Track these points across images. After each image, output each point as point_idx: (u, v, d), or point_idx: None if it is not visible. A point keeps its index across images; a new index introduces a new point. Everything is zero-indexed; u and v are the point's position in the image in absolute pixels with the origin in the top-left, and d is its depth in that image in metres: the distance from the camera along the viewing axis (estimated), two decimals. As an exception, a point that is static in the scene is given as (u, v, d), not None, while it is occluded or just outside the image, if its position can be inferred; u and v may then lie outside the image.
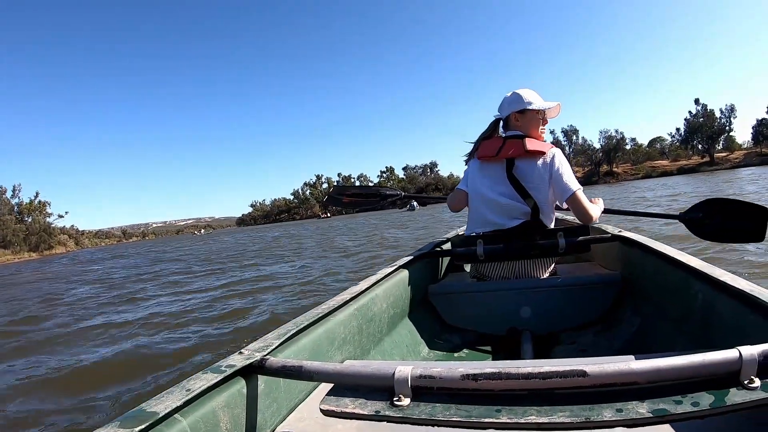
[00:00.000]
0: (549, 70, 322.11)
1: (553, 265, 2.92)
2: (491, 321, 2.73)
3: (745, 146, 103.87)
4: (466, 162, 3.13)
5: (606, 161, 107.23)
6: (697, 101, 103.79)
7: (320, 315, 1.78)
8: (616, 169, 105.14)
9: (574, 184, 2.68)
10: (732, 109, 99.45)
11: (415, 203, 57.79)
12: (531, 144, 2.73)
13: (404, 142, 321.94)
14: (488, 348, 2.62)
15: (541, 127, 2.89)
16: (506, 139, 2.84)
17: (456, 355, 2.57)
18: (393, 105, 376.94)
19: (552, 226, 2.83)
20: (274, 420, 1.36)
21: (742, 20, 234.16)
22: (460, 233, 3.74)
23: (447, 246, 3.38)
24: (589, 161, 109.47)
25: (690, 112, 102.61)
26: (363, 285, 2.24)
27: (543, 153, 2.72)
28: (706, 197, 3.18)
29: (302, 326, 1.63)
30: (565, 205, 2.81)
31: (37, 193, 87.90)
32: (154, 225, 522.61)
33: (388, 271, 2.57)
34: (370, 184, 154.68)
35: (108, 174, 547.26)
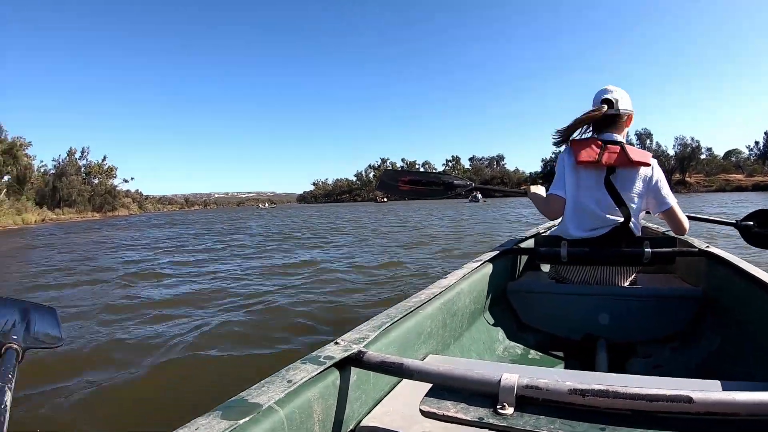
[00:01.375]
0: (627, 66, 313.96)
1: (634, 274, 2.87)
2: (567, 324, 2.70)
3: None
4: (557, 144, 2.94)
5: (679, 170, 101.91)
6: None
7: (412, 308, 1.77)
8: (688, 179, 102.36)
9: (671, 198, 2.75)
10: None
11: (479, 195, 57.20)
12: (634, 153, 2.68)
13: (471, 132, 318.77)
14: (561, 353, 2.61)
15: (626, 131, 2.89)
16: (605, 144, 2.74)
17: (530, 356, 2.57)
18: (461, 93, 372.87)
19: (639, 234, 2.77)
20: (361, 412, 1.36)
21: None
22: (542, 231, 3.93)
23: (529, 243, 3.42)
24: (661, 168, 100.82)
25: None
26: (450, 279, 2.21)
27: (647, 164, 2.70)
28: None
29: (396, 319, 1.63)
30: (656, 215, 2.84)
31: (104, 156, 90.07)
32: (216, 195, 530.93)
33: (473, 266, 2.53)
34: (434, 172, 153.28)
35: (175, 142, 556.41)
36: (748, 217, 3.36)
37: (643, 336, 2.56)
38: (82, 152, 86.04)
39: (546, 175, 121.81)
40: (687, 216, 3.17)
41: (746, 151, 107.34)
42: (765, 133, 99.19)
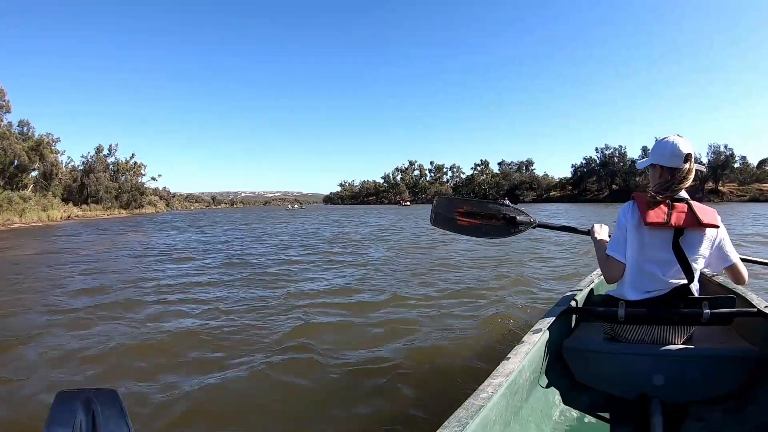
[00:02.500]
0: (660, 70, 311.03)
1: (690, 332, 2.79)
2: (622, 384, 2.70)
3: None
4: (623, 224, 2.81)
5: (712, 178, 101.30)
6: None
7: (480, 408, 1.79)
8: (721, 188, 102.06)
9: (734, 254, 2.71)
10: None
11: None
12: (704, 215, 2.63)
13: (500, 135, 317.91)
14: (616, 414, 2.62)
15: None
16: (673, 202, 2.68)
17: (586, 420, 2.59)
18: (494, 97, 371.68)
19: (699, 293, 2.74)
20: None
21: None
22: (596, 282, 3.93)
23: (582, 296, 3.44)
24: (694, 176, 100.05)
25: None
26: (513, 362, 2.24)
27: (717, 226, 2.64)
28: None
29: (465, 424, 1.64)
30: (718, 268, 2.82)
31: (132, 154, 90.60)
32: (243, 194, 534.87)
33: (533, 338, 2.54)
34: (463, 176, 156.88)
35: (203, 140, 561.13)
36: None
37: (697, 396, 2.56)
38: (110, 149, 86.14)
39: (575, 182, 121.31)
40: (742, 259, 3.08)
41: None
42: None
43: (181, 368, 4.68)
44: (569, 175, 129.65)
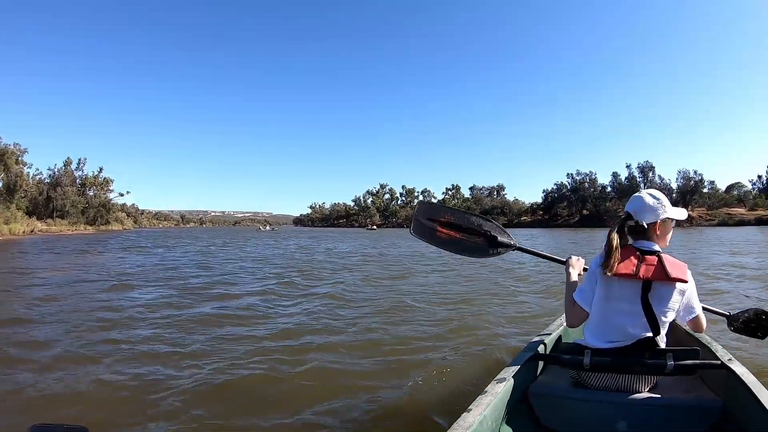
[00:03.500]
0: (627, 100, 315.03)
1: (655, 380, 2.84)
2: (587, 429, 2.74)
3: None
4: (603, 272, 2.79)
5: (681, 203, 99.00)
6: None
7: None
8: (691, 213, 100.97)
9: (698, 306, 2.84)
10: None
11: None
12: (673, 269, 2.68)
13: (472, 160, 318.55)
14: None
15: (669, 237, 2.89)
16: (643, 254, 2.74)
17: None
18: (463, 120, 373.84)
19: (664, 345, 2.79)
20: None
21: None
22: (563, 328, 3.94)
23: (550, 341, 3.52)
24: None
25: None
26: (475, 414, 2.28)
27: (684, 281, 2.69)
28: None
29: None
30: (682, 321, 2.94)
31: (101, 168, 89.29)
32: (212, 213, 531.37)
33: (497, 388, 2.59)
34: (435, 200, 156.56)
35: (173, 157, 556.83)
36: (743, 312, 3.67)
37: None
38: (79, 163, 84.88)
39: (546, 207, 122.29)
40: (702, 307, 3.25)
41: (749, 185, 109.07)
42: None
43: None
44: (540, 200, 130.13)
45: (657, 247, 2.78)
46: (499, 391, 2.55)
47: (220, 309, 9.19)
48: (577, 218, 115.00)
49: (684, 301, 2.76)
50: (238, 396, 4.65)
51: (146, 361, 5.68)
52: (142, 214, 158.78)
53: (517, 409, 2.83)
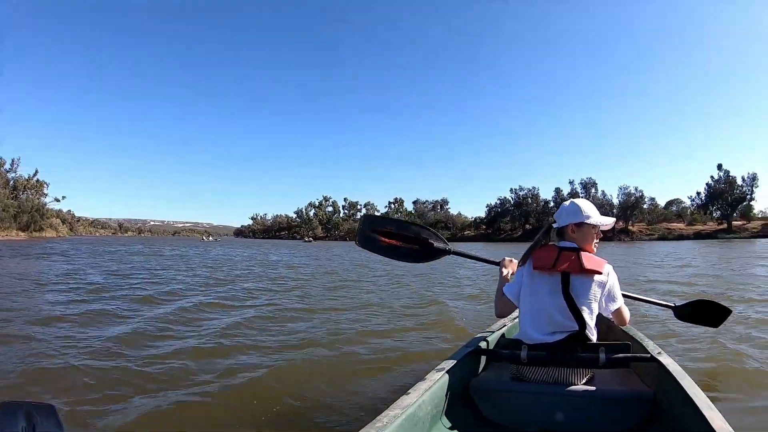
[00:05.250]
0: (569, 122, 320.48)
1: (590, 373, 2.98)
2: (526, 421, 2.84)
3: (761, 216, 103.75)
4: (519, 265, 3.23)
5: (623, 218, 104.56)
6: (720, 167, 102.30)
7: None
8: (631, 228, 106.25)
9: (620, 299, 3.04)
10: (754, 178, 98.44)
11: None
12: (588, 261, 2.86)
13: (415, 174, 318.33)
14: None
15: (595, 241, 3.06)
16: (561, 251, 2.95)
17: None
18: (407, 135, 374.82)
19: (595, 339, 2.95)
20: None
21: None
22: (508, 326, 4.13)
23: (494, 338, 3.71)
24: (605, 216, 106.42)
25: (712, 176, 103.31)
26: (413, 396, 2.40)
27: (600, 272, 2.88)
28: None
29: None
30: (606, 313, 3.08)
31: (36, 171, 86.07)
32: (152, 222, 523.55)
33: (436, 376, 2.72)
34: (377, 214, 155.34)
35: (111, 163, 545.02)
36: (687, 305, 4.61)
37: None
38: (12, 164, 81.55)
39: (490, 221, 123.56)
40: (632, 297, 4.13)
41: (688, 201, 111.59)
42: (706, 184, 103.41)
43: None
44: (484, 215, 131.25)
45: (576, 247, 2.97)
46: (438, 379, 2.68)
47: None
48: (520, 232, 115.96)
49: (605, 292, 2.94)
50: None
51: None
52: (78, 221, 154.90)
53: (459, 402, 2.94)
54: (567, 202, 3.10)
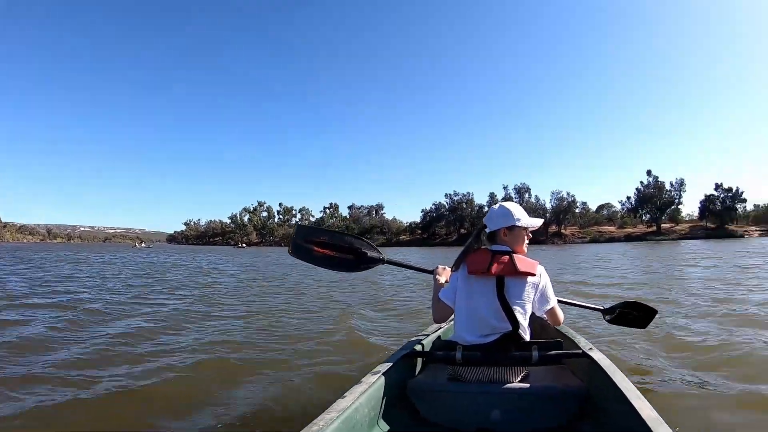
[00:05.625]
0: (505, 129, 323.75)
1: (525, 371, 3.03)
2: (464, 419, 2.86)
3: (688, 219, 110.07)
4: (453, 270, 3.26)
5: (555, 222, 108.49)
6: (649, 172, 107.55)
7: None
8: (564, 231, 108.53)
9: (553, 299, 3.12)
10: (682, 183, 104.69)
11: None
12: (521, 264, 2.95)
13: (350, 179, 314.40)
14: None
15: (525, 242, 3.15)
16: (494, 254, 3.00)
17: None
18: (341, 140, 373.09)
19: (528, 338, 3.00)
20: None
21: (699, 101, 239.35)
22: (444, 328, 4.16)
23: (430, 340, 3.74)
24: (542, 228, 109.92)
25: (642, 182, 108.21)
26: (348, 399, 2.38)
27: (533, 274, 2.98)
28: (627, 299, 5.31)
29: None
30: (538, 314, 3.17)
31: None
32: (81, 229, 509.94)
33: (371, 379, 2.71)
34: (313, 219, 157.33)
35: (39, 167, 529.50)
36: (614, 307, 4.88)
37: (532, 428, 2.76)
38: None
39: (425, 226, 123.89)
40: (564, 301, 4.12)
41: (618, 205, 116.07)
42: (636, 189, 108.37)
43: None
44: (419, 220, 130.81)
45: (508, 249, 3.05)
46: (374, 381, 2.67)
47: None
48: (455, 237, 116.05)
49: (538, 293, 3.02)
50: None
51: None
52: (5, 227, 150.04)
53: (397, 403, 2.94)
54: (496, 206, 3.17)
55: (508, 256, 2.96)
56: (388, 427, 2.74)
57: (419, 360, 3.51)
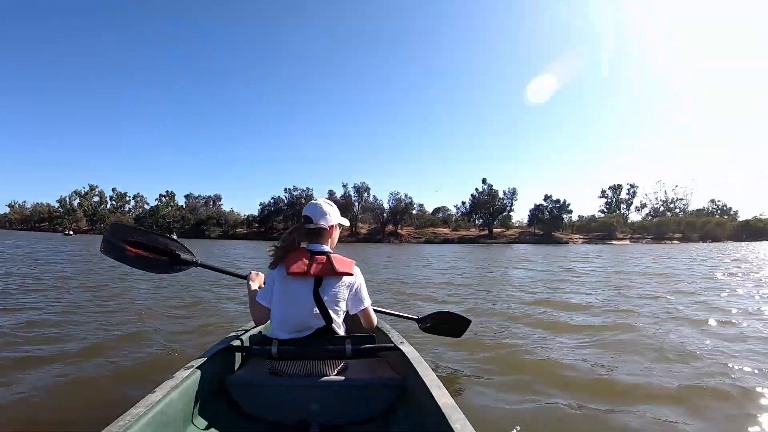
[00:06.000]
0: (349, 129, 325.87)
1: (342, 364, 3.13)
2: (284, 412, 2.90)
3: (518, 225, 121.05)
4: (274, 265, 3.20)
5: (392, 222, 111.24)
6: (484, 180, 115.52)
7: None
8: (400, 231, 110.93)
9: (367, 300, 3.24)
10: (514, 192, 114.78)
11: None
12: (339, 265, 3.05)
13: (189, 167, 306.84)
14: None
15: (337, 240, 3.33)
16: (313, 255, 3.08)
17: None
18: (184, 124, 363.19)
19: (342, 333, 3.13)
20: None
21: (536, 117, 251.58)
22: (260, 327, 4.05)
23: (246, 336, 3.60)
24: (376, 219, 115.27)
25: (477, 189, 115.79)
26: (158, 394, 2.33)
27: (350, 274, 3.08)
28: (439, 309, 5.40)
29: None
30: (352, 313, 3.26)
31: None
32: None
33: (184, 374, 2.67)
34: (147, 207, 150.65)
35: None
36: (428, 317, 5.12)
37: (351, 418, 2.85)
38: None
39: (263, 219, 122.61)
40: (379, 310, 4.17)
41: (454, 209, 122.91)
42: (471, 195, 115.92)
43: None
44: (257, 213, 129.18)
45: (327, 248, 3.17)
46: (188, 376, 2.62)
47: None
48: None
49: (352, 293, 3.14)
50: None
51: None
52: None
53: (215, 399, 2.92)
54: (321, 203, 3.22)
55: (326, 257, 3.06)
56: (206, 423, 2.70)
57: (239, 355, 3.54)
